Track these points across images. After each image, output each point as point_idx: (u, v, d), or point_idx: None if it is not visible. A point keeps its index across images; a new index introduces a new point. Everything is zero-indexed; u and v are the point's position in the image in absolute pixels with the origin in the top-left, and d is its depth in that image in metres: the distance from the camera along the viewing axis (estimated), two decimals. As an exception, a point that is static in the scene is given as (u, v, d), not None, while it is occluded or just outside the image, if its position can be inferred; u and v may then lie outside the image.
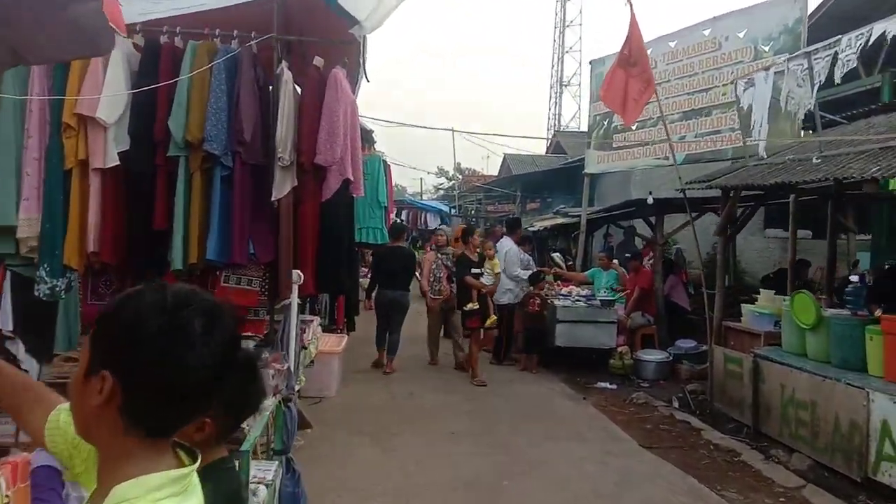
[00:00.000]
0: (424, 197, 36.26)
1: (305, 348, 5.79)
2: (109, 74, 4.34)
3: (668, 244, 10.88)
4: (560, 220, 12.77)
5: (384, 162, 9.60)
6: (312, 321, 6.73)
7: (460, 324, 8.68)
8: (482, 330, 8.34)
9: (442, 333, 9.18)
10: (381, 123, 19.51)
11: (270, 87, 4.58)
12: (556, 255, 14.86)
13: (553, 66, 50.80)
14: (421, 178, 37.72)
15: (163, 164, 4.44)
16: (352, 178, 4.71)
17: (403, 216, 27.77)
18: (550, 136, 29.29)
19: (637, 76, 7.37)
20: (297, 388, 4.13)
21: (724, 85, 8.66)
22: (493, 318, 8.38)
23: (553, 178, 19.25)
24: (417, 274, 10.06)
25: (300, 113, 4.57)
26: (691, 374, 8.53)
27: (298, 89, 4.74)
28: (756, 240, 16.36)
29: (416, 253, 12.02)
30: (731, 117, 8.53)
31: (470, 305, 8.21)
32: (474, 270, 8.40)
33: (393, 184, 10.23)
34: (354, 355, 9.23)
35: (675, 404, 7.35)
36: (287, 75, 4.56)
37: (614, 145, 10.10)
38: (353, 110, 4.87)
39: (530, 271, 9.08)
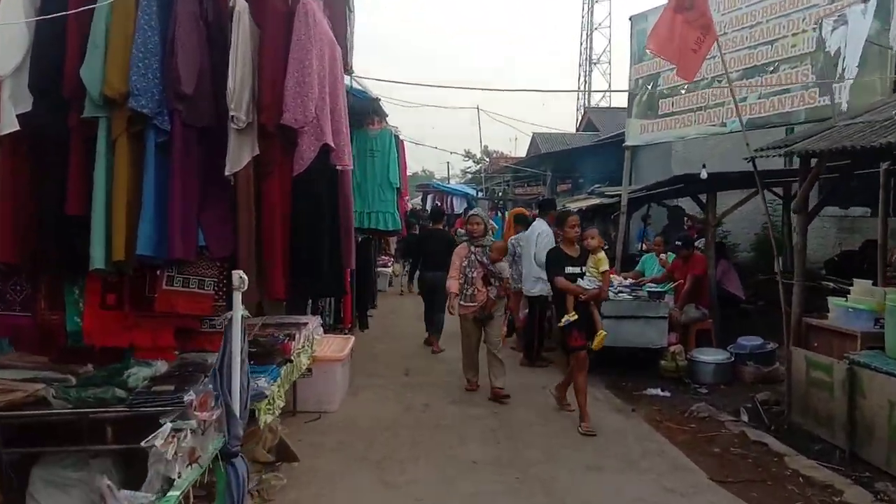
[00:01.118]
0: (452, 181, 35.10)
1: (290, 361, 4.69)
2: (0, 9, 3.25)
3: (720, 225, 9.56)
4: (595, 201, 11.49)
5: (396, 137, 8.43)
6: (306, 324, 5.63)
7: (499, 336, 6.90)
8: (582, 351, 5.83)
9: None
10: (397, 103, 18.35)
11: (220, 23, 3.46)
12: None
13: (581, 42, 49.31)
14: (448, 162, 36.47)
15: (76, 128, 3.35)
16: (332, 144, 3.58)
17: (429, 201, 26.69)
18: (581, 114, 27.84)
19: (693, 22, 6.08)
20: (240, 435, 3.00)
21: (793, 34, 7.31)
22: (603, 334, 5.85)
23: (585, 157, 17.91)
24: None
25: (260, 57, 3.44)
26: (757, 377, 7.27)
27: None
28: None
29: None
30: (802, 73, 7.19)
31: (567, 317, 5.78)
32: (569, 270, 5.91)
33: (407, 162, 9.04)
34: (369, 356, 8.16)
35: (745, 417, 6.10)
36: (242, 5, 3.42)
37: (660, 112, 8.80)
38: (334, 54, 3.71)
39: None
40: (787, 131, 13.50)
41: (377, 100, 7.28)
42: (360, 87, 7.00)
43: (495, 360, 6.73)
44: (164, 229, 3.28)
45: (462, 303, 6.71)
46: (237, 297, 2.83)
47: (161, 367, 3.93)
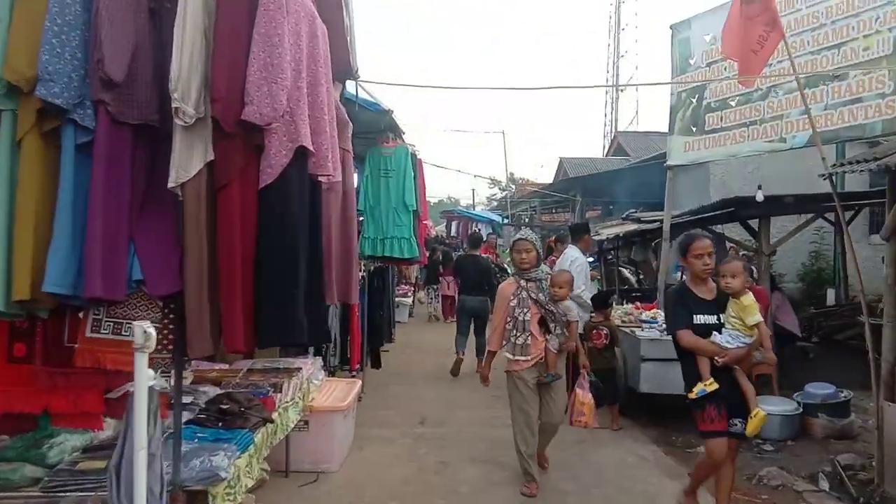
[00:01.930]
0: (477, 209, 34.35)
1: (271, 422, 3.83)
2: None
3: (773, 254, 8.55)
4: (632, 227, 10.53)
5: (414, 156, 7.61)
6: (300, 370, 4.78)
7: (562, 411, 5.21)
8: (719, 437, 4.10)
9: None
10: (429, 131, 17.55)
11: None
12: (625, 270, 12.64)
13: (608, 70, 49.15)
14: (473, 189, 35.75)
15: (-32, 124, 2.55)
16: (310, 147, 2.73)
17: (453, 227, 25.91)
18: (611, 138, 26.93)
19: (756, 17, 5.20)
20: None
21: (864, 36, 6.37)
22: (761, 415, 4.10)
23: (617, 181, 16.98)
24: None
25: (216, 32, 2.62)
26: (830, 432, 6.23)
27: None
28: (860, 247, 13.72)
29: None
30: (877, 80, 6.23)
31: (701, 387, 4.04)
32: (700, 319, 4.15)
33: (425, 183, 8.20)
34: (380, 400, 7.26)
35: (825, 485, 5.08)
36: (190, -35, 2.61)
37: (707, 128, 7.87)
38: (315, 30, 2.87)
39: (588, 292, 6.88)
40: (837, 148, 12.47)
41: (390, 112, 6.47)
42: (370, 98, 6.21)
43: (551, 436, 5.30)
44: (82, 259, 2.45)
45: (510, 355, 4.95)
46: (140, 362, 1.97)
47: (99, 433, 3.08)
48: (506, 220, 23.87)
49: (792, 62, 5.50)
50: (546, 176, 30.81)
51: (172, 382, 2.81)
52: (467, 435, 6.18)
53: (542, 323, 4.97)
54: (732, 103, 7.55)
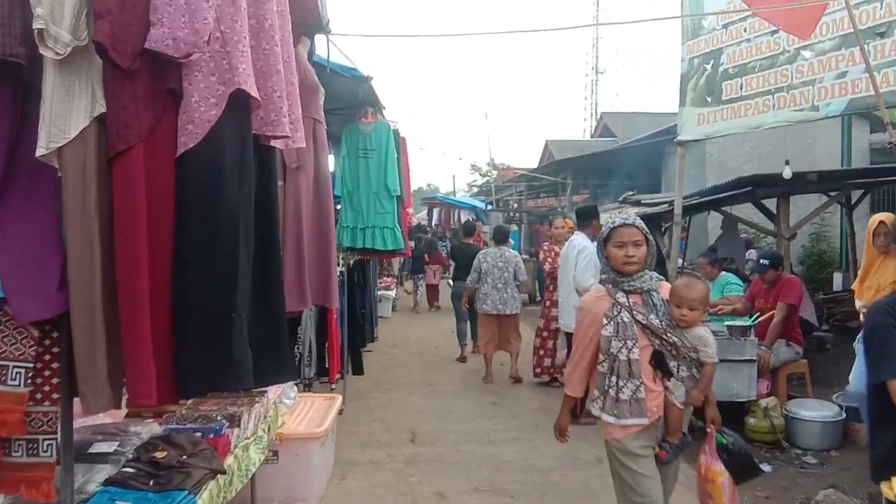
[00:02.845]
0: (458, 195, 33.44)
1: (222, 472, 2.94)
2: None
3: (793, 238, 7.79)
4: (631, 211, 9.70)
5: (396, 133, 6.69)
6: (264, 393, 3.89)
7: (671, 487, 3.23)
8: None
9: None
10: (409, 114, 16.62)
11: None
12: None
13: (587, 52, 48.68)
14: (453, 176, 34.78)
15: None
16: (252, 92, 1.82)
17: (435, 215, 25.00)
18: (595, 120, 26.14)
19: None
20: None
21: (911, -12, 5.56)
22: None
23: (609, 164, 16.17)
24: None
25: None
26: (879, 438, 5.45)
27: None
28: (862, 229, 13.08)
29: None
30: (927, 36, 5.43)
31: None
32: None
33: (409, 165, 7.28)
34: (364, 412, 6.38)
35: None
36: None
37: (724, 97, 7.05)
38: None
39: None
40: (843, 122, 11.66)
41: (369, 79, 5.51)
42: (347, 63, 5.28)
43: None
44: None
45: (608, 417, 3.00)
46: None
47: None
48: (490, 207, 22.99)
49: (850, 10, 4.66)
50: (528, 162, 30.01)
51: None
52: (466, 455, 5.32)
53: (659, 361, 3.00)
54: (754, 68, 6.72)
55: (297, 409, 4.66)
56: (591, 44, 48.13)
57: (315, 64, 4.68)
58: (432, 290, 14.79)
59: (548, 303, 7.45)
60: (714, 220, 14.69)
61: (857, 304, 5.50)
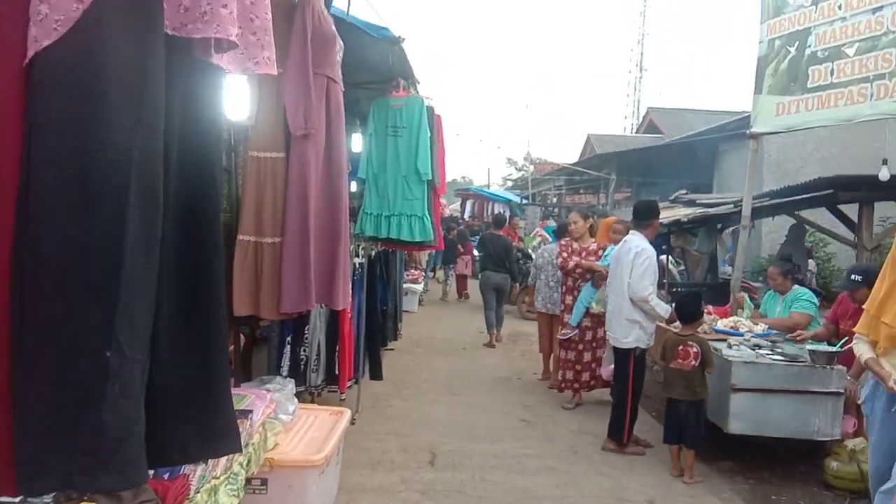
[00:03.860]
0: (492, 189, 32.59)
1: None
2: None
3: (877, 249, 6.82)
4: (686, 211, 8.76)
5: (430, 110, 5.90)
6: (248, 414, 3.18)
7: None
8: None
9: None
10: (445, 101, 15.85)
11: None
12: (671, 262, 10.89)
13: (632, 48, 47.74)
14: (488, 168, 33.88)
15: None
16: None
17: (468, 207, 24.21)
18: (641, 116, 25.03)
19: None
20: None
21: None
22: None
23: (656, 160, 15.19)
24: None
25: None
26: None
27: None
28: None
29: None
30: None
31: None
32: None
33: (444, 147, 6.48)
34: (378, 424, 5.65)
35: None
36: None
37: (810, 85, 6.13)
38: None
39: (651, 293, 5.16)
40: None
41: (400, 40, 4.70)
42: (375, 21, 4.51)
43: None
44: None
45: None
46: None
47: None
48: (525, 201, 22.11)
49: None
50: (565, 156, 29.00)
51: None
52: (491, 487, 4.54)
53: None
54: (849, 51, 5.77)
55: (295, 427, 3.92)
56: (636, 40, 46.95)
57: (337, 20, 3.93)
58: (462, 281, 14.71)
59: (563, 304, 6.75)
60: (768, 226, 13.67)
61: (860, 346, 3.52)
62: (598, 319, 6.18)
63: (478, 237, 15.87)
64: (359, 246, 5.90)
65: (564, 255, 6.60)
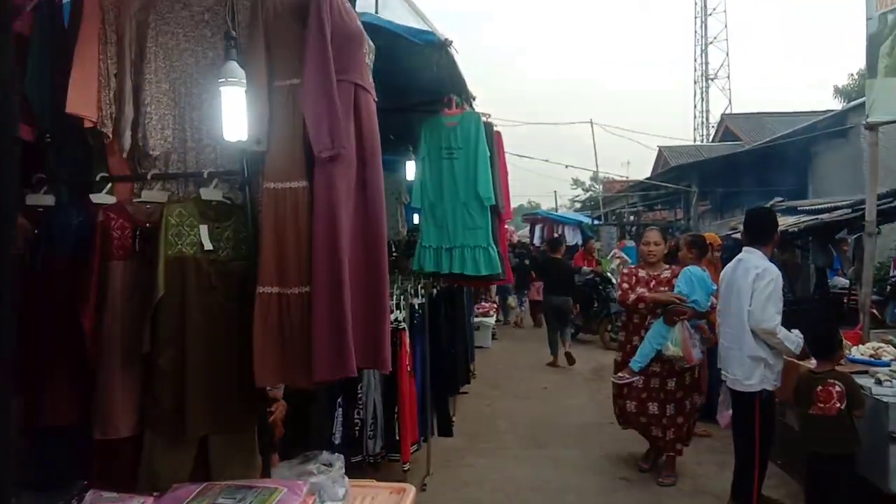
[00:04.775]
0: (560, 212, 31.56)
1: None
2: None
3: None
4: (788, 220, 7.66)
5: (489, 127, 5.16)
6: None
7: None
8: None
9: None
10: (506, 123, 15.26)
11: None
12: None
13: (696, 59, 46.46)
14: (555, 191, 32.80)
15: None
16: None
17: (537, 232, 23.28)
18: (717, 123, 23.66)
19: None
20: None
21: None
22: None
23: (739, 169, 14.00)
24: None
25: None
26: None
27: None
28: None
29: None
30: None
31: None
32: None
33: (506, 167, 5.71)
34: (450, 489, 4.86)
35: None
36: None
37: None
38: None
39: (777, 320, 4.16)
40: None
41: (447, 43, 4.00)
42: (412, 23, 3.85)
43: None
44: None
45: None
46: None
47: None
48: (597, 222, 21.05)
49: None
50: (634, 173, 27.76)
51: None
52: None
53: None
54: None
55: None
56: (699, 49, 45.63)
57: (369, 27, 3.27)
58: (536, 307, 14.17)
59: (628, 346, 5.36)
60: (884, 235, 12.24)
61: None
62: (670, 366, 5.03)
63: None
64: (418, 285, 5.20)
65: (625, 286, 5.34)
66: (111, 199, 2.79)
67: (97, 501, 2.59)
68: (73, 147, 2.87)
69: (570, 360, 9.66)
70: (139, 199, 2.79)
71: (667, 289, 5.13)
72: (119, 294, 2.67)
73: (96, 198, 2.76)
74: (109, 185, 2.82)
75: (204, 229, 2.74)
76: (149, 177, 2.78)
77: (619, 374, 5.25)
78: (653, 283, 5.23)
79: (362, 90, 2.71)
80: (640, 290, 5.21)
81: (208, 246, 2.73)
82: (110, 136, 2.64)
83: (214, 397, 2.74)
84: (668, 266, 5.40)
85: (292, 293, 2.68)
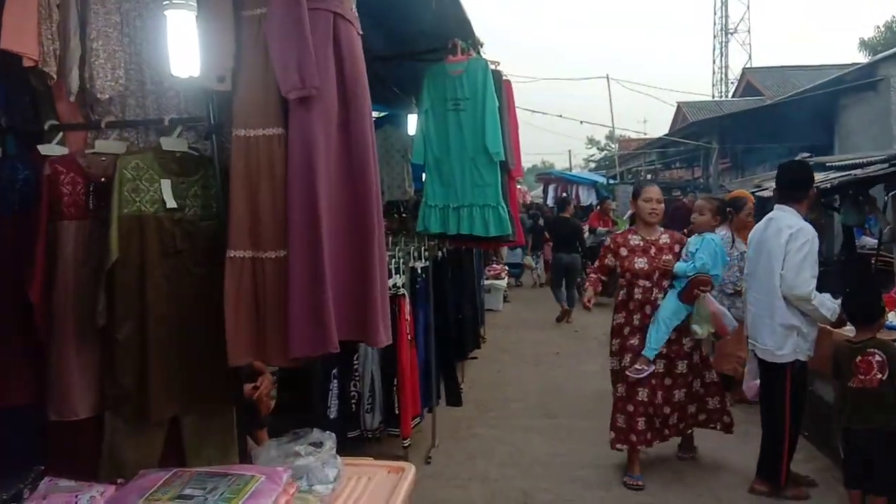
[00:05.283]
0: (574, 171, 30.93)
1: None
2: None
3: None
4: (818, 177, 7.17)
5: (497, 75, 4.73)
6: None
7: None
8: None
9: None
10: (521, 79, 14.66)
11: None
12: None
13: (715, 11, 45.00)
14: (569, 150, 32.14)
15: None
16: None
17: (550, 192, 22.79)
18: (738, 77, 22.85)
19: None
20: None
21: None
22: None
23: (762, 124, 13.42)
24: None
25: None
26: None
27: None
28: None
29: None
30: None
31: None
32: None
33: (517, 119, 5.29)
34: (456, 465, 4.60)
35: None
36: None
37: None
38: None
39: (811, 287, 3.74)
40: None
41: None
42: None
43: None
44: None
45: None
46: None
47: None
48: (613, 181, 20.51)
49: None
50: (651, 131, 27.02)
51: None
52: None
53: None
54: None
55: (340, 498, 2.90)
56: (719, 2, 44.23)
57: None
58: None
59: (626, 329, 4.47)
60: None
61: None
62: (681, 349, 4.34)
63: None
64: (421, 247, 4.87)
65: (611, 258, 4.58)
66: (62, 151, 2.45)
67: (52, 491, 2.33)
68: (20, 91, 2.53)
69: (566, 317, 10.03)
70: (93, 151, 2.44)
71: (669, 256, 4.37)
72: (71, 259, 2.35)
73: (45, 149, 2.43)
74: (60, 134, 2.48)
75: (166, 184, 2.40)
76: (103, 125, 2.43)
77: (636, 366, 4.28)
78: (653, 249, 4.41)
79: (342, 20, 2.33)
80: (639, 261, 4.40)
81: (171, 203, 2.40)
82: (54, 76, 2.28)
83: (182, 374, 2.44)
84: (662, 229, 4.59)
85: (267, 257, 2.36)
